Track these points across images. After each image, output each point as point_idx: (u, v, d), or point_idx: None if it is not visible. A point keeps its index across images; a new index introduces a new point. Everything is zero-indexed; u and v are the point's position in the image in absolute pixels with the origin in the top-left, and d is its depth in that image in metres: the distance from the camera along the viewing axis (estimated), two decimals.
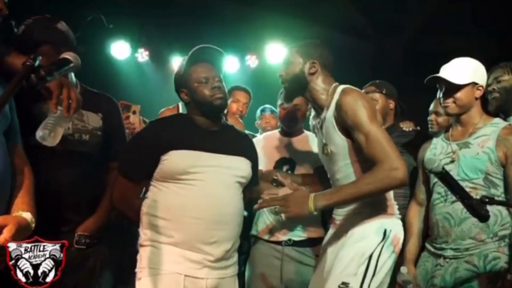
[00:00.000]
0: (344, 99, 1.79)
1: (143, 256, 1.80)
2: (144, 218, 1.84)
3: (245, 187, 1.95)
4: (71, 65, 1.47)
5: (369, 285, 1.71)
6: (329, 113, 1.84)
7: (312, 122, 2.28)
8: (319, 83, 1.90)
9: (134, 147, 1.93)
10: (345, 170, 1.85)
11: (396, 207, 1.90)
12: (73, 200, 1.89)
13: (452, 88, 2.06)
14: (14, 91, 1.22)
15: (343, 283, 1.72)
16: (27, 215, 1.35)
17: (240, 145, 1.98)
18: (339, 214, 1.91)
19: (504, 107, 2.25)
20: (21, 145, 1.53)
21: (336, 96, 1.83)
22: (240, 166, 1.91)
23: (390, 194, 1.88)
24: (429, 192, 2.18)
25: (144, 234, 1.83)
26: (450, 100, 2.07)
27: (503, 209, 1.97)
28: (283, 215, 1.75)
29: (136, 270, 1.82)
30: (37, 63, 1.25)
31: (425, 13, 5.22)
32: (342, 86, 1.87)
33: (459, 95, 2.05)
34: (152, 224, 1.80)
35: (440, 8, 5.02)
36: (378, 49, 5.66)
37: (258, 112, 3.41)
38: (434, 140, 2.23)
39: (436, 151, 2.16)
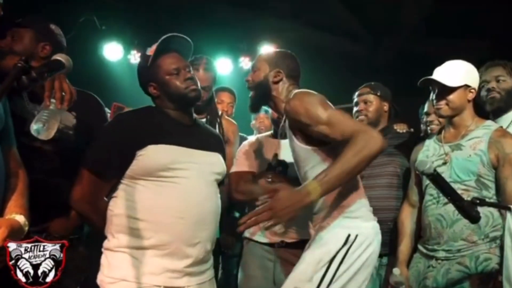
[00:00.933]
0: (289, 104, 1.75)
1: (114, 264, 1.65)
2: (115, 220, 1.68)
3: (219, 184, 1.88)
4: (63, 67, 1.46)
5: None
6: (286, 123, 1.84)
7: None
8: (281, 92, 1.89)
9: (105, 143, 1.73)
10: (311, 174, 1.75)
11: (365, 209, 1.82)
12: (41, 199, 1.75)
13: (445, 90, 2.07)
14: (5, 93, 1.22)
15: None
16: (20, 218, 1.35)
17: (213, 141, 1.90)
18: (314, 219, 1.87)
19: (502, 108, 2.29)
20: (16, 147, 1.52)
21: None
22: (216, 163, 1.84)
23: (359, 196, 1.81)
24: (422, 194, 2.19)
25: (115, 238, 1.67)
26: (443, 102, 2.08)
27: (494, 211, 1.98)
28: (276, 226, 1.68)
29: (102, 278, 1.65)
30: (28, 64, 1.25)
31: (419, 16, 5.25)
32: (294, 91, 1.83)
33: (451, 97, 2.07)
34: (127, 227, 1.65)
35: (433, 10, 5.05)
36: (372, 51, 5.69)
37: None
38: (427, 142, 2.24)
39: (429, 153, 2.17)
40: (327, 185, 1.59)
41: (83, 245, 1.98)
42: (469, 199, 1.68)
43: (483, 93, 2.31)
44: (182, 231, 1.66)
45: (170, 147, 1.70)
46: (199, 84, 1.82)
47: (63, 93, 1.55)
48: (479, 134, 2.05)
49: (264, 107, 3.41)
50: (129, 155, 1.67)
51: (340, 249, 1.70)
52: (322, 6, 5.12)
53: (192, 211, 1.68)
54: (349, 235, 1.71)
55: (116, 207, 1.69)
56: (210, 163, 1.80)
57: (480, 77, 2.25)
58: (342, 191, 1.76)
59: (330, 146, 1.75)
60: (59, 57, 1.50)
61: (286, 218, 1.60)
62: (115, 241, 1.67)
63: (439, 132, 2.22)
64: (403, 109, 2.89)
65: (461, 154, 2.04)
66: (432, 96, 2.15)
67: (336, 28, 5.42)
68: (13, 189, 1.43)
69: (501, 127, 2.11)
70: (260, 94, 1.93)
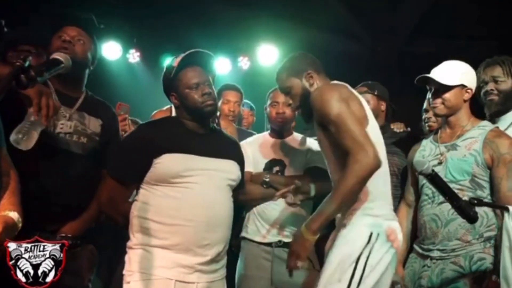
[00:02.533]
0: (312, 96, 1.81)
1: (133, 259, 1.79)
2: (134, 221, 1.83)
3: (234, 189, 1.96)
4: (61, 65, 1.46)
5: None
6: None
7: None
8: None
9: (126, 150, 1.91)
10: (334, 170, 1.86)
11: (387, 207, 1.85)
12: (62, 200, 1.88)
13: (441, 89, 2.08)
14: (3, 92, 1.21)
15: None
16: (14, 215, 1.36)
17: (229, 149, 2.00)
18: (337, 218, 1.90)
19: (501, 111, 2.26)
20: (5, 148, 1.52)
21: None
22: (230, 169, 1.93)
23: (382, 194, 1.84)
24: (418, 194, 2.19)
25: (135, 237, 1.82)
26: (438, 101, 2.09)
27: (489, 211, 1.99)
28: (299, 264, 1.76)
29: (124, 272, 1.82)
30: (27, 63, 1.25)
31: (418, 15, 5.25)
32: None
33: (447, 96, 2.07)
34: (144, 227, 1.80)
35: (433, 10, 5.06)
36: (371, 51, 5.69)
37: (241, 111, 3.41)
38: (424, 142, 2.25)
39: (425, 153, 2.17)
40: (320, 224, 1.70)
41: (92, 244, 2.04)
42: (465, 198, 1.68)
43: (482, 95, 2.29)
44: (192, 233, 1.77)
45: (184, 155, 1.82)
46: (216, 100, 1.92)
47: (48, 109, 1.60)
48: (474, 135, 2.06)
49: (249, 103, 3.44)
50: (147, 163, 1.81)
51: (364, 248, 1.72)
52: (321, 6, 5.12)
53: (202, 214, 1.79)
54: (371, 234, 1.74)
55: (136, 209, 1.84)
56: (223, 170, 1.89)
57: (479, 77, 2.24)
58: (364, 189, 1.77)
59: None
60: (57, 55, 1.50)
61: (305, 255, 1.76)
62: (134, 239, 1.82)
63: (436, 132, 2.22)
64: (402, 109, 2.90)
65: (456, 154, 2.05)
66: (429, 94, 2.15)
67: (335, 28, 5.42)
68: (6, 187, 1.44)
69: (497, 127, 2.11)
70: (309, 104, 1.89)
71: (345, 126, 1.69)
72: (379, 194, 1.82)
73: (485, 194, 2.00)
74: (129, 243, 1.85)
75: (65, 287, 1.84)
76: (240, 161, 2.02)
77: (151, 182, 1.82)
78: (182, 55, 1.89)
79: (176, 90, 1.90)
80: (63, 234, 1.90)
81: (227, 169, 1.91)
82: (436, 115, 2.20)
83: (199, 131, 1.92)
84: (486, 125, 2.09)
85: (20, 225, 1.36)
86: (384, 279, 1.75)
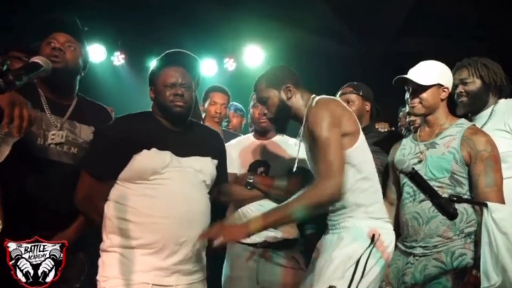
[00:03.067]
0: (311, 111, 1.85)
1: (107, 263, 1.75)
2: (108, 222, 1.78)
3: (212, 185, 1.96)
4: (41, 69, 1.44)
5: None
6: (304, 127, 1.90)
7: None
8: (299, 103, 1.94)
9: (103, 145, 1.84)
10: (313, 170, 1.90)
11: (384, 211, 1.93)
12: (53, 211, 1.85)
13: (418, 89, 2.11)
14: None
15: (330, 286, 1.73)
16: None
17: (206, 145, 1.97)
18: (333, 220, 1.93)
19: (472, 111, 2.32)
20: None
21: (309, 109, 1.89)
22: (204, 168, 1.91)
23: (378, 198, 1.92)
24: (399, 192, 2.22)
25: (109, 238, 1.78)
26: (416, 101, 2.12)
27: (468, 207, 2.02)
28: (215, 241, 1.77)
29: (98, 278, 1.77)
30: (5, 67, 1.24)
31: (404, 15, 5.29)
32: (317, 98, 1.91)
33: (424, 95, 2.10)
34: (118, 228, 1.76)
35: (418, 9, 5.10)
36: (358, 51, 5.72)
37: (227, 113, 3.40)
38: (404, 140, 2.28)
39: (405, 151, 2.20)
40: (268, 225, 1.79)
41: (83, 252, 2.01)
42: (445, 196, 1.72)
43: (455, 97, 2.35)
44: (167, 231, 1.75)
45: (160, 152, 1.80)
46: (188, 103, 1.89)
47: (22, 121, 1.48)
48: (452, 132, 2.09)
49: (236, 105, 3.43)
50: (125, 157, 1.78)
51: (368, 247, 1.79)
52: (307, 7, 5.14)
53: (177, 210, 1.77)
54: (374, 235, 1.80)
55: (109, 209, 1.80)
56: (197, 168, 1.88)
57: (454, 79, 2.29)
58: (364, 192, 1.86)
59: (357, 148, 1.85)
60: (37, 59, 1.48)
61: (234, 239, 1.84)
62: (108, 241, 1.77)
63: (415, 131, 2.26)
64: (389, 109, 2.93)
65: (435, 152, 2.08)
66: (407, 95, 2.18)
67: (321, 29, 5.44)
68: None
69: (474, 125, 2.15)
70: (284, 117, 1.97)
71: (327, 152, 1.75)
72: (378, 197, 1.92)
73: (464, 190, 2.03)
74: (102, 245, 1.80)
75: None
76: (219, 155, 2.01)
77: (125, 179, 1.79)
78: (168, 51, 1.91)
79: (154, 85, 1.91)
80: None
81: (201, 168, 1.89)
82: (414, 114, 2.23)
83: (174, 128, 1.91)
84: (464, 123, 2.13)
85: (0, 227, 1.34)
86: (380, 275, 1.84)
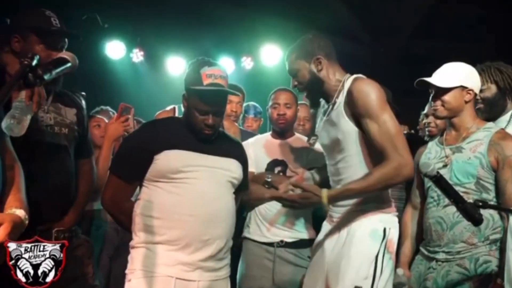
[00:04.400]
0: (355, 86, 1.79)
1: (135, 258, 1.81)
2: (136, 220, 1.84)
3: (236, 190, 1.96)
4: (68, 64, 1.47)
5: (377, 285, 1.75)
6: (339, 101, 1.83)
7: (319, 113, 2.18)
8: (331, 77, 1.88)
9: (128, 148, 1.94)
10: (349, 160, 1.84)
11: (393, 204, 1.93)
12: (54, 193, 1.89)
13: (440, 91, 2.07)
14: (11, 90, 1.21)
15: (356, 287, 1.74)
16: (21, 212, 1.34)
17: (231, 149, 1.99)
18: (337, 212, 1.92)
19: (490, 118, 2.26)
20: (9, 140, 1.50)
21: (347, 85, 1.82)
22: (231, 167, 1.93)
23: (388, 193, 1.91)
24: (424, 196, 2.19)
25: (137, 236, 1.83)
26: (438, 103, 2.09)
27: (495, 213, 1.99)
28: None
29: (126, 271, 1.82)
30: (34, 62, 1.25)
31: (420, 16, 5.25)
32: (354, 76, 1.87)
33: (446, 98, 2.06)
34: (145, 225, 1.81)
35: (434, 11, 5.05)
36: (372, 52, 5.69)
37: (242, 112, 3.39)
38: (429, 144, 2.25)
39: (431, 155, 2.17)
40: (342, 198, 1.82)
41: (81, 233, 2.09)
42: (470, 201, 1.68)
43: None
44: (192, 228, 1.78)
45: (183, 152, 1.84)
46: (217, 127, 1.91)
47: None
48: (479, 137, 2.05)
49: (255, 107, 3.40)
50: (147, 159, 1.83)
51: (382, 242, 1.79)
52: (324, 7, 5.12)
53: (202, 209, 1.79)
54: (385, 229, 1.81)
55: (138, 208, 1.85)
56: (223, 167, 1.89)
57: None
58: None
59: None
60: (64, 54, 1.51)
61: (303, 206, 1.88)
62: (137, 238, 1.83)
63: (441, 134, 2.22)
64: (404, 111, 2.90)
65: (461, 157, 2.05)
66: (431, 98, 2.15)
67: (337, 29, 5.41)
68: (11, 183, 1.42)
69: (503, 129, 2.10)
70: (315, 89, 1.91)
71: (391, 129, 1.72)
72: (388, 193, 1.91)
73: (490, 196, 1.99)
74: (131, 243, 1.86)
75: (69, 278, 1.86)
76: (243, 162, 2.02)
77: (152, 179, 1.83)
78: (213, 76, 1.82)
79: (189, 98, 1.88)
80: (58, 228, 1.92)
81: (228, 167, 1.91)
82: (436, 117, 2.20)
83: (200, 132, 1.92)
84: (492, 127, 2.08)
85: (26, 222, 1.34)
86: (390, 277, 1.85)
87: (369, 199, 1.83)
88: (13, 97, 1.59)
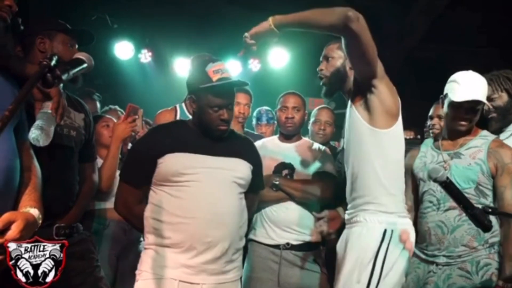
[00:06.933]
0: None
1: (144, 259, 1.86)
2: (146, 222, 1.88)
3: (249, 191, 1.96)
4: (85, 65, 1.50)
5: None
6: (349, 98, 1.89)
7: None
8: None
9: (135, 155, 1.98)
10: (356, 156, 1.85)
11: (401, 204, 1.85)
12: (58, 193, 1.93)
13: (473, 109, 2.06)
14: (30, 90, 1.23)
15: None
16: (35, 212, 1.36)
17: (239, 148, 1.98)
18: (348, 212, 1.91)
19: (503, 126, 2.31)
20: (29, 143, 1.54)
21: None
22: (236, 167, 1.91)
23: (395, 192, 1.83)
24: (417, 200, 2.21)
25: (147, 238, 1.88)
26: (468, 121, 2.08)
27: (492, 217, 1.97)
28: (247, 34, 1.84)
29: (136, 272, 1.88)
30: (53, 62, 1.26)
31: (426, 22, 5.24)
32: None
33: (477, 116, 2.09)
34: (153, 228, 1.84)
35: (441, 16, 5.05)
36: (380, 56, 5.67)
37: (254, 118, 3.39)
38: (423, 148, 2.27)
39: (427, 159, 2.19)
40: (286, 21, 1.82)
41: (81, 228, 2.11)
42: (478, 206, 1.68)
43: (484, 114, 2.31)
44: (193, 230, 1.79)
45: (184, 154, 1.85)
46: (231, 122, 1.92)
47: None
48: (477, 144, 2.09)
49: (267, 113, 3.39)
50: (152, 164, 1.87)
51: (380, 246, 1.73)
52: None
53: (203, 211, 1.80)
54: (385, 230, 1.76)
55: (147, 211, 1.89)
56: (226, 168, 1.88)
57: None
58: (375, 184, 1.81)
59: (390, 132, 1.80)
60: (81, 55, 1.54)
61: (252, 32, 1.86)
62: (147, 240, 1.88)
63: (435, 139, 2.24)
64: (410, 116, 2.90)
65: (461, 163, 2.08)
66: (445, 109, 2.13)
67: None
68: (27, 183, 1.44)
69: (497, 137, 2.15)
70: (335, 81, 1.98)
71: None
72: (393, 189, 1.83)
73: (488, 201, 2.03)
74: (144, 244, 1.91)
75: (76, 271, 1.94)
76: (253, 161, 1.99)
77: (158, 183, 1.87)
78: (220, 72, 1.84)
79: (197, 99, 1.88)
80: (58, 225, 1.95)
81: (232, 167, 1.90)
82: (459, 131, 2.13)
83: (207, 136, 1.92)
84: (488, 135, 2.14)
85: (40, 221, 1.36)
86: (400, 279, 1.77)
87: (373, 200, 1.80)
88: (37, 108, 1.65)
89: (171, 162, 1.83)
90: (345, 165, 1.98)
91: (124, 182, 1.94)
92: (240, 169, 1.93)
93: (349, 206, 1.92)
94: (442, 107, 2.17)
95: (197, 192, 1.81)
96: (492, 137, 2.12)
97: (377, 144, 1.80)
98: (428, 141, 2.30)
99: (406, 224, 1.82)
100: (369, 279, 1.71)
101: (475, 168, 2.04)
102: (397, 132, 1.83)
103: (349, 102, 1.91)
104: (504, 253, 1.96)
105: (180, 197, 1.81)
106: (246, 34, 1.87)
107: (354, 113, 1.86)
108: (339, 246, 1.91)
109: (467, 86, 2.05)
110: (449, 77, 2.15)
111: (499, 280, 1.91)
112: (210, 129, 1.88)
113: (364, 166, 1.83)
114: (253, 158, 2.02)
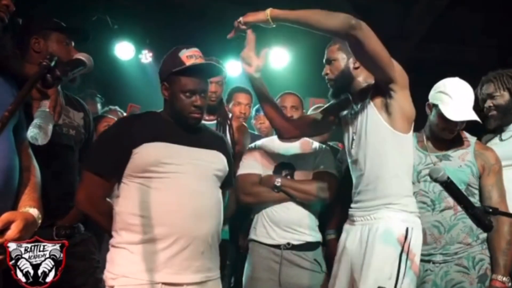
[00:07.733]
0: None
1: (116, 261, 1.71)
2: (117, 218, 1.74)
3: (222, 186, 1.89)
4: (85, 66, 1.50)
5: (401, 286, 1.76)
6: (368, 99, 1.89)
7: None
8: (362, 78, 1.95)
9: (104, 143, 1.84)
10: (376, 157, 1.88)
11: (416, 205, 1.93)
12: (58, 192, 1.91)
13: (463, 122, 2.11)
14: (30, 91, 1.23)
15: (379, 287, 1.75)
16: (34, 211, 1.36)
17: (214, 141, 1.92)
18: (358, 212, 1.93)
19: (502, 125, 2.34)
20: (28, 142, 1.54)
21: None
22: (215, 160, 1.85)
23: (411, 192, 1.93)
24: None
25: (119, 235, 1.73)
26: (456, 131, 2.14)
27: None
28: (241, 19, 1.86)
29: (106, 273, 1.72)
30: (53, 63, 1.26)
31: (429, 22, 5.24)
32: None
33: (464, 124, 2.12)
34: (128, 223, 1.70)
35: (443, 16, 5.05)
36: None
37: (253, 111, 3.40)
38: None
39: (414, 161, 2.18)
40: (284, 15, 1.81)
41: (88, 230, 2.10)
42: (477, 205, 1.77)
43: (485, 112, 2.35)
44: (177, 224, 1.68)
45: (163, 144, 1.75)
46: (204, 111, 1.85)
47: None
48: (463, 146, 2.16)
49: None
50: (125, 154, 1.73)
51: (404, 243, 1.79)
52: (332, 10, 5.11)
53: (186, 204, 1.71)
54: (407, 228, 1.81)
55: (118, 205, 1.76)
56: (207, 160, 1.82)
57: (481, 93, 2.34)
58: (397, 184, 1.87)
59: (408, 137, 1.89)
60: (80, 56, 1.55)
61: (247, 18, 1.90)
62: (118, 237, 1.73)
63: (419, 140, 2.24)
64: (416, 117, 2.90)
65: (451, 165, 2.12)
66: (434, 118, 2.15)
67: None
68: (26, 183, 1.44)
69: (478, 139, 2.21)
70: (342, 83, 1.98)
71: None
72: (409, 191, 1.93)
73: (475, 200, 2.10)
74: (112, 241, 1.75)
75: (78, 272, 1.92)
76: (227, 155, 1.93)
77: (133, 174, 1.73)
78: (194, 57, 1.78)
79: (170, 85, 1.80)
80: (59, 225, 1.94)
81: (212, 159, 1.83)
82: (446, 138, 2.17)
83: (182, 126, 1.84)
84: (469, 137, 2.20)
85: (39, 221, 1.36)
86: (416, 277, 1.83)
87: (393, 198, 1.85)
88: (34, 106, 1.65)
89: (149, 152, 1.71)
90: (352, 164, 1.99)
91: (92, 174, 1.75)
92: (219, 161, 1.86)
93: (361, 204, 1.92)
94: (430, 113, 2.18)
95: (179, 184, 1.71)
96: (473, 139, 2.19)
97: (398, 147, 1.86)
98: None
99: (420, 224, 1.90)
100: (397, 274, 1.76)
101: (466, 170, 2.11)
102: (411, 138, 1.93)
103: (365, 102, 1.91)
104: (496, 248, 2.04)
105: (160, 189, 1.70)
106: (240, 19, 1.88)
107: (374, 113, 1.87)
108: (351, 242, 1.92)
109: (460, 102, 2.06)
110: (442, 80, 2.16)
111: (494, 274, 2.00)
112: (183, 116, 1.79)
113: (386, 167, 1.86)
114: (228, 153, 1.96)
